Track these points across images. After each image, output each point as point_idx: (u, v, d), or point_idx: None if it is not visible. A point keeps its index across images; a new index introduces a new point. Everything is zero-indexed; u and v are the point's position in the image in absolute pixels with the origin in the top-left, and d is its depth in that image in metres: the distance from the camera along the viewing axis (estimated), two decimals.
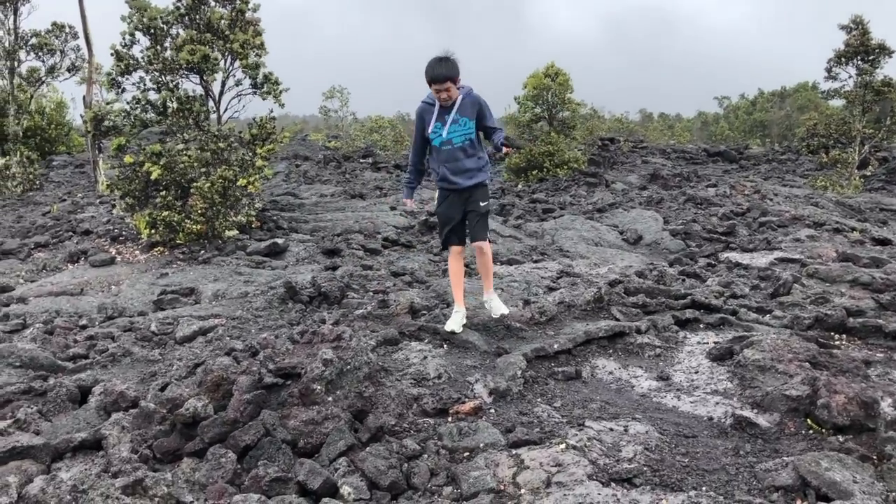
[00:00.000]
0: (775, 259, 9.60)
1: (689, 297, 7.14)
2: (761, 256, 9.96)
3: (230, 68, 13.38)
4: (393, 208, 14.60)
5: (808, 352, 5.00)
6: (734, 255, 10.21)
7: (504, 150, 5.67)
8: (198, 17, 13.04)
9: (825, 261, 9.35)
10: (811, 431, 4.26)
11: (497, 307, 6.28)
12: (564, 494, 3.53)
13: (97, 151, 17.15)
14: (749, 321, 6.58)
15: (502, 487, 3.73)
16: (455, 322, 6.06)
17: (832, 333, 6.19)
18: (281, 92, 13.50)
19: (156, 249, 11.04)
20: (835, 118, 25.06)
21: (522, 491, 3.66)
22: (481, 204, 5.94)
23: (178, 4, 12.81)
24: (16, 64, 19.33)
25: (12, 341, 6.48)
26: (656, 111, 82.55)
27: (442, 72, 5.53)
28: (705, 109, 76.36)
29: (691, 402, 4.84)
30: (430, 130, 5.82)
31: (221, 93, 13.52)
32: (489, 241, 6.21)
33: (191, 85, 13.14)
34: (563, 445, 4.07)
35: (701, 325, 6.53)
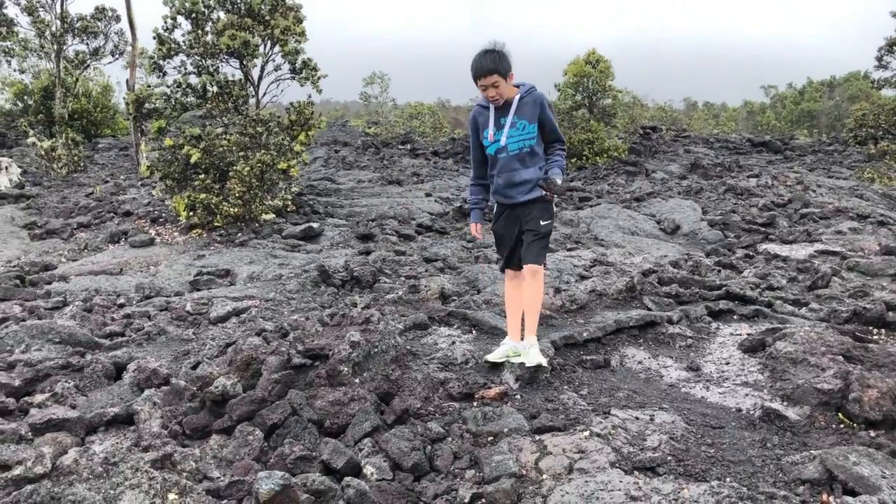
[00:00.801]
0: (815, 251, 9.41)
1: (724, 288, 7.04)
2: (801, 248, 9.77)
3: (270, 53, 13.50)
4: (428, 195, 14.62)
5: (843, 345, 4.90)
6: (773, 247, 10.03)
7: (545, 191, 4.82)
8: (239, 1, 13.15)
9: (867, 254, 9.14)
10: (842, 426, 4.18)
11: (533, 356, 4.97)
12: (586, 481, 3.52)
13: (139, 134, 17.46)
14: (784, 313, 6.47)
15: (524, 472, 3.73)
16: (497, 354, 5.11)
17: (870, 328, 6.05)
18: (319, 78, 13.58)
19: (194, 231, 11.22)
20: (885, 108, 24.40)
21: (544, 476, 3.66)
22: (541, 223, 4.92)
23: None
24: (63, 48, 19.73)
25: (53, 318, 6.65)
26: (701, 100, 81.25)
27: (487, 64, 4.66)
28: (752, 99, 74.92)
29: (720, 393, 4.78)
30: (484, 137, 4.98)
31: (260, 78, 13.65)
32: (545, 268, 5.05)
33: (231, 69, 13.30)
34: (586, 433, 4.05)
35: (735, 317, 6.44)
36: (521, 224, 5.02)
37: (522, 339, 5.11)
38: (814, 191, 14.98)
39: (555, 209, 5.12)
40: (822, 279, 7.48)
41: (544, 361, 5.02)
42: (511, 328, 5.25)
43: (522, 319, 5.16)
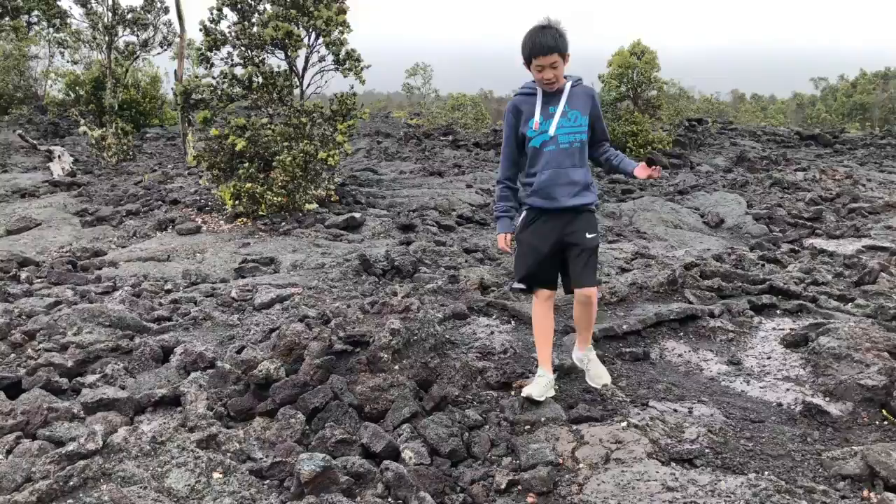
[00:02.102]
0: (863, 247, 9.23)
1: (768, 282, 6.95)
2: (848, 243, 9.59)
3: (314, 45, 13.63)
4: (469, 186, 14.65)
5: (889, 341, 4.82)
6: (819, 242, 9.86)
7: (647, 173, 4.20)
8: None
9: None
10: (885, 423, 4.13)
11: (598, 372, 4.64)
12: (622, 471, 3.54)
13: (186, 124, 17.80)
14: (829, 309, 6.37)
15: (561, 461, 3.76)
16: (537, 388, 4.37)
17: None
18: (362, 69, 13.68)
19: (239, 220, 11.42)
20: None
21: (581, 465, 3.69)
22: (587, 236, 4.25)
23: None
24: (113, 39, 20.18)
25: (103, 302, 6.85)
26: (749, 92, 79.76)
27: (547, 41, 4.03)
28: (802, 91, 73.29)
29: (761, 388, 4.75)
30: (528, 126, 4.27)
31: (305, 69, 13.79)
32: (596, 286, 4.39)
33: (276, 60, 13.46)
34: (624, 423, 4.07)
35: (778, 312, 6.36)
36: (560, 236, 4.29)
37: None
38: (863, 185, 14.66)
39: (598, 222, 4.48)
40: (870, 275, 7.34)
41: (608, 379, 4.51)
42: (544, 358, 4.52)
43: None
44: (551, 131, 4.22)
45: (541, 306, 4.54)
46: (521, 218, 4.46)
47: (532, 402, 4.36)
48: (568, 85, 4.28)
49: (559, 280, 4.52)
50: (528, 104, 4.32)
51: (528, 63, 4.16)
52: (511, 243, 4.49)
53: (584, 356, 4.70)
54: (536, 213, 4.38)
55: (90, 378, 5.06)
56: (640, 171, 4.19)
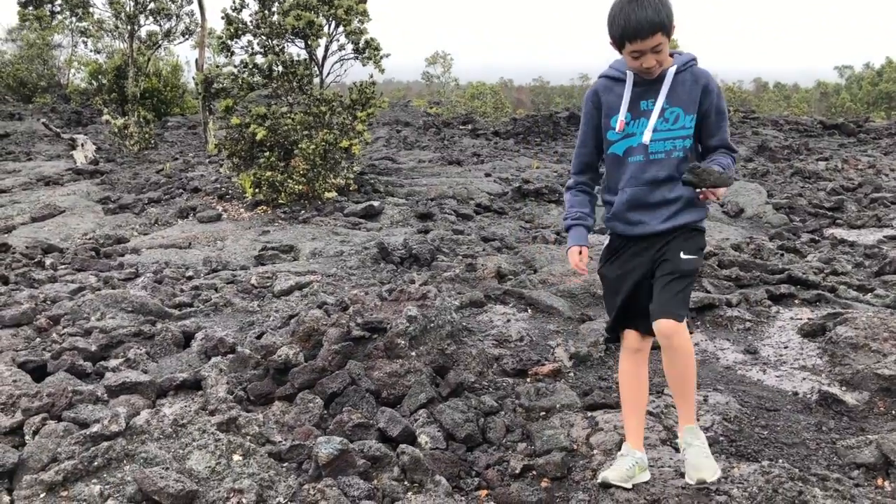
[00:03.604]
0: (884, 237, 9.15)
1: (787, 272, 6.93)
2: (869, 233, 9.51)
3: (334, 33, 13.67)
4: (488, 175, 14.65)
5: None
6: (840, 232, 9.79)
7: (700, 194, 3.09)
8: None
9: None
10: None
11: (696, 463, 3.23)
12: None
13: (207, 113, 17.91)
14: (848, 299, 6.35)
15: (575, 447, 3.80)
16: (616, 471, 3.32)
17: None
18: (381, 58, 13.69)
19: (259, 208, 11.51)
20: None
21: (595, 451, 3.74)
22: (682, 256, 3.16)
23: None
24: (136, 28, 20.33)
25: (125, 288, 6.95)
26: (772, 80, 78.84)
27: (647, 16, 2.92)
28: (826, 79, 72.34)
29: (777, 377, 4.75)
30: (610, 126, 3.21)
31: (324, 57, 13.84)
32: (686, 324, 3.24)
33: (296, 49, 13.51)
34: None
35: (796, 301, 6.35)
36: (653, 261, 3.24)
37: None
38: (886, 175, 14.49)
39: (705, 242, 3.39)
40: (890, 265, 7.29)
41: (709, 475, 3.19)
42: (631, 431, 3.44)
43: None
44: (645, 139, 3.14)
45: (627, 359, 3.46)
46: (604, 246, 3.47)
47: (547, 393, 4.39)
48: (671, 70, 3.12)
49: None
50: (614, 94, 3.23)
51: (619, 46, 3.08)
52: (585, 261, 3.37)
53: (683, 439, 3.35)
54: (621, 242, 3.34)
55: (113, 362, 5.15)
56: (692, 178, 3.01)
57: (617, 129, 3.19)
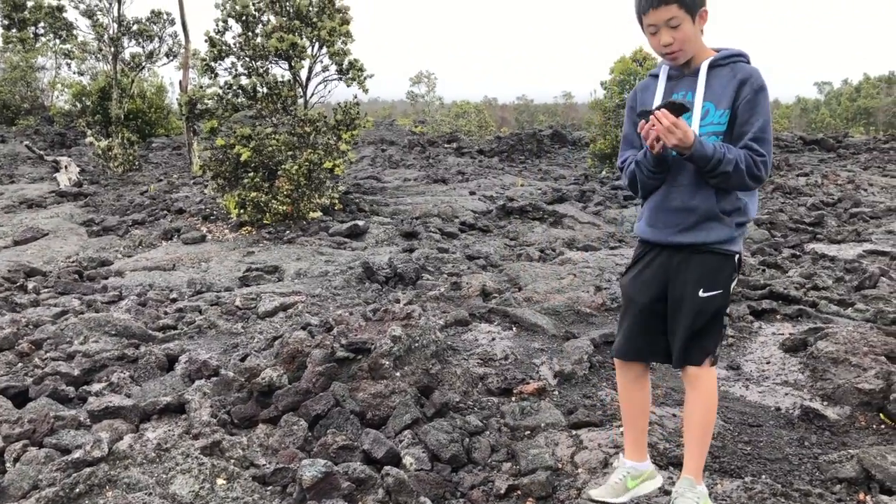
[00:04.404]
0: (864, 251, 9.25)
1: (768, 287, 7.00)
2: (849, 248, 9.61)
3: (317, 55, 13.74)
4: (472, 193, 14.72)
5: (886, 346, 4.86)
6: (820, 247, 9.89)
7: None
8: (288, 3, 13.42)
9: None
10: (882, 426, 4.17)
11: None
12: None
13: (192, 134, 17.93)
14: (829, 314, 6.41)
15: (560, 466, 3.81)
16: (604, 488, 3.29)
17: None
18: (365, 78, 13.78)
19: (244, 229, 11.50)
20: None
21: (580, 470, 3.74)
22: (700, 294, 2.90)
23: None
24: (119, 50, 20.35)
25: (109, 311, 6.92)
26: None
27: None
28: (805, 95, 73.28)
29: (759, 392, 4.79)
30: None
31: (308, 78, 13.90)
32: (713, 365, 3.00)
33: (280, 70, 13.57)
34: (622, 428, 4.11)
35: (778, 317, 6.40)
36: (668, 286, 3.01)
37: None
38: (865, 190, 14.67)
39: (736, 271, 3.00)
40: (870, 279, 7.37)
41: None
42: (627, 442, 3.35)
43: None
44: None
45: (627, 380, 3.26)
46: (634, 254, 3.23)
47: (532, 412, 4.41)
48: (705, 64, 2.91)
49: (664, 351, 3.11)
50: (649, 92, 3.08)
51: (640, 23, 2.93)
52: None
53: (677, 488, 3.05)
54: (643, 249, 3.14)
55: (96, 386, 5.11)
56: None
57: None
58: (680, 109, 2.72)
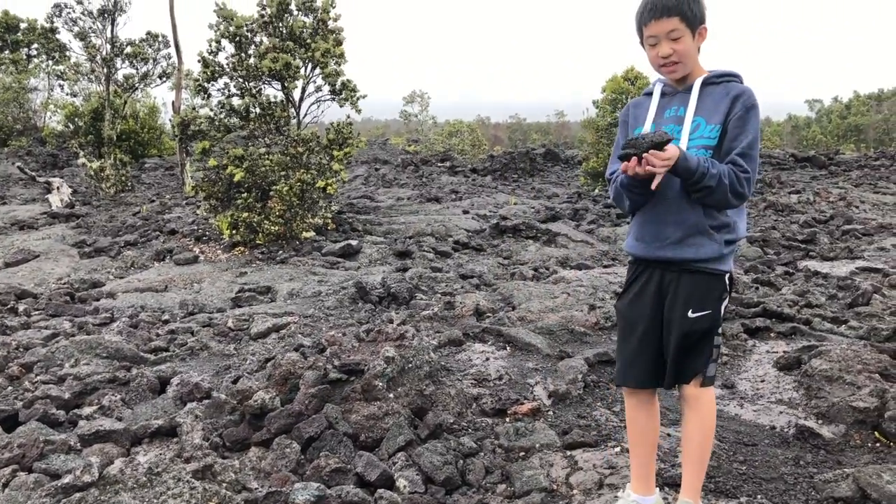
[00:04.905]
0: (857, 268, 9.28)
1: (762, 305, 7.00)
2: (842, 265, 9.64)
3: (311, 75, 13.78)
4: (466, 212, 14.73)
5: (880, 363, 4.86)
6: (813, 264, 9.91)
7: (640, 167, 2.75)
8: (281, 24, 13.47)
9: None
10: (878, 444, 4.16)
11: None
12: (615, 496, 3.55)
13: (184, 155, 17.93)
14: (823, 331, 6.41)
15: (555, 487, 3.78)
16: None
17: None
18: (358, 98, 13.82)
19: (236, 249, 11.47)
20: None
21: (574, 491, 3.71)
22: (689, 315, 2.89)
23: (263, 13, 13.27)
24: (112, 71, 20.37)
25: (101, 333, 6.88)
26: None
27: (665, 0, 2.83)
28: (796, 113, 73.79)
29: (754, 411, 4.77)
30: (633, 135, 2.90)
31: (301, 99, 13.93)
32: (711, 386, 3.01)
33: (273, 91, 13.60)
34: (618, 448, 4.09)
35: (771, 335, 6.40)
36: (659, 305, 3.00)
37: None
38: (857, 207, 14.75)
39: (727, 291, 2.99)
40: (863, 296, 7.39)
41: None
42: (633, 474, 3.28)
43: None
44: (682, 143, 2.88)
45: (635, 408, 3.21)
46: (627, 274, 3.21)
47: (526, 433, 4.39)
48: (698, 81, 2.95)
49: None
50: (643, 108, 3.11)
51: (640, 36, 2.97)
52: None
53: None
54: (635, 270, 3.12)
55: (87, 410, 5.07)
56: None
57: None
58: (665, 143, 2.71)
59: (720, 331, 3.01)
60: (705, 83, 2.94)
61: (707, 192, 2.78)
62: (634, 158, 2.75)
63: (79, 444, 4.32)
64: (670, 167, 2.72)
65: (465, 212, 14.79)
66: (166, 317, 7.98)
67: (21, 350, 6.50)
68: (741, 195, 2.80)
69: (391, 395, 4.60)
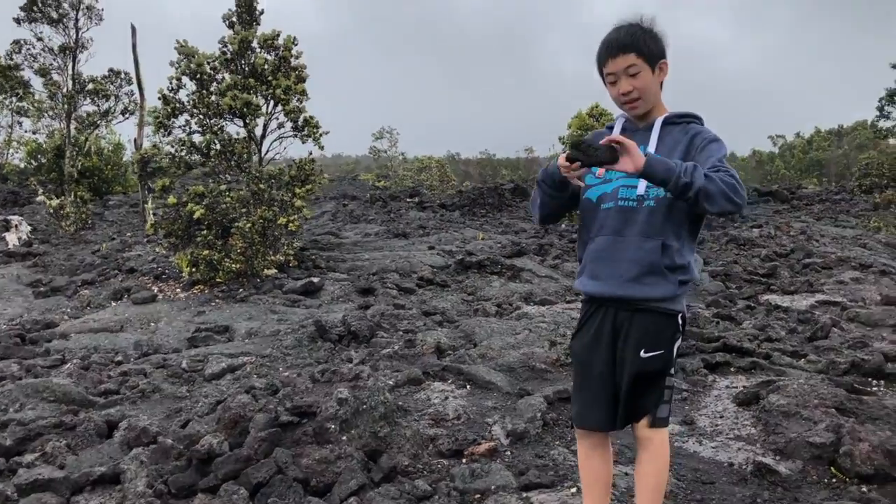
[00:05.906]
0: (816, 302, 9.37)
1: (722, 340, 7.01)
2: (802, 299, 9.73)
3: (273, 112, 13.74)
4: (432, 248, 14.68)
5: (836, 398, 4.86)
6: (774, 298, 9.99)
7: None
8: (243, 62, 13.46)
9: (868, 304, 9.09)
10: (834, 480, 4.12)
11: None
12: None
13: (146, 192, 17.72)
14: (782, 365, 6.42)
15: None
16: None
17: (869, 379, 6.00)
18: (321, 135, 13.79)
19: (196, 287, 11.27)
20: (889, 157, 24.50)
21: None
22: (641, 354, 2.85)
23: (224, 50, 13.25)
24: (74, 108, 20.18)
25: (49, 376, 6.66)
26: None
27: (621, 38, 2.84)
28: (760, 148, 75.36)
29: (713, 448, 4.73)
30: (591, 171, 2.86)
31: (263, 136, 13.87)
32: (664, 427, 2.99)
33: (234, 128, 13.53)
34: (574, 489, 4.01)
35: (731, 369, 6.40)
36: (613, 344, 2.93)
37: None
38: (817, 240, 14.96)
39: (680, 331, 2.97)
40: (822, 330, 7.44)
41: None
42: None
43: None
44: (639, 189, 2.82)
45: (588, 452, 3.17)
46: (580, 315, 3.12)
47: (482, 474, 4.29)
48: (660, 119, 2.92)
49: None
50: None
51: (600, 74, 2.96)
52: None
53: None
54: (588, 309, 3.04)
55: (29, 457, 4.86)
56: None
57: (597, 175, 2.91)
58: (615, 162, 2.62)
59: (673, 371, 2.97)
60: (666, 122, 2.92)
61: (703, 192, 2.56)
62: (577, 163, 2.69)
63: (16, 495, 4.14)
64: (635, 167, 2.58)
65: (431, 247, 14.74)
66: (119, 358, 7.76)
67: None
68: (738, 191, 2.58)
69: (344, 438, 4.48)
